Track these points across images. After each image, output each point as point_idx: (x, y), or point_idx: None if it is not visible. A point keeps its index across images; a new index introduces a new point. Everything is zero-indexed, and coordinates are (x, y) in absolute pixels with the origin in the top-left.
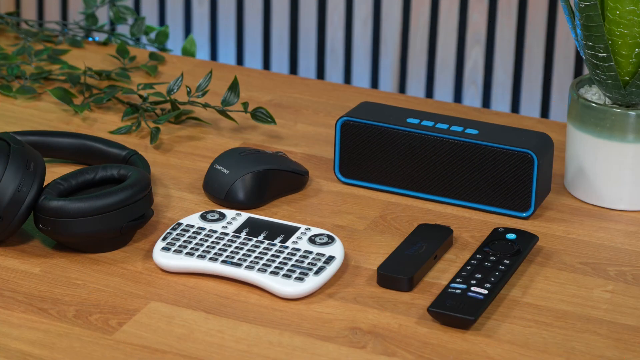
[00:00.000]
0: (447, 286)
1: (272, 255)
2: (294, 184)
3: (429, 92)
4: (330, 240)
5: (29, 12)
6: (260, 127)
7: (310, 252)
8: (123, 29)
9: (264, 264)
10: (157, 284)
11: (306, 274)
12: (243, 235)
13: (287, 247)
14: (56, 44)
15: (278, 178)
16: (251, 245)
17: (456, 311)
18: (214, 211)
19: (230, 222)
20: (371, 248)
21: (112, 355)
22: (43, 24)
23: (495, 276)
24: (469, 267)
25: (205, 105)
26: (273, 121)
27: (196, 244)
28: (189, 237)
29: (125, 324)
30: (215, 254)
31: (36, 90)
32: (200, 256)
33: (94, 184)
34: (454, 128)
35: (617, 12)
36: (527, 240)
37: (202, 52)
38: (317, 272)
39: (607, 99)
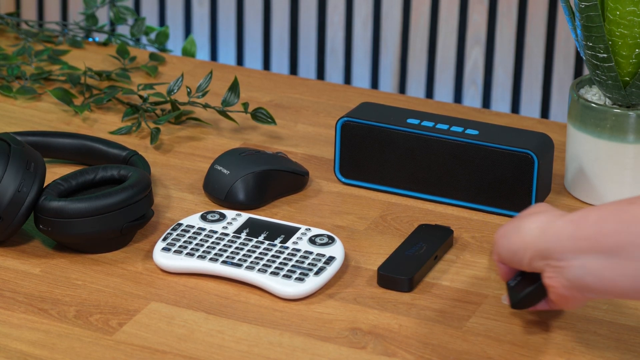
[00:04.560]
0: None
1: (273, 256)
2: (294, 184)
3: (429, 92)
4: (331, 240)
5: (29, 12)
6: (260, 127)
7: (311, 253)
8: (123, 30)
9: (264, 265)
10: (158, 285)
11: (306, 275)
12: (243, 235)
13: (287, 248)
14: (56, 44)
15: (278, 178)
16: (251, 246)
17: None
18: (214, 212)
19: (231, 223)
20: (371, 248)
21: (113, 356)
22: (43, 25)
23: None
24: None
25: (206, 106)
26: (273, 121)
27: (196, 244)
28: (190, 237)
29: (126, 325)
30: (215, 254)
31: (36, 91)
32: (200, 257)
33: (94, 184)
34: (454, 128)
35: (618, 13)
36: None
37: (202, 53)
38: (317, 273)
39: (608, 100)
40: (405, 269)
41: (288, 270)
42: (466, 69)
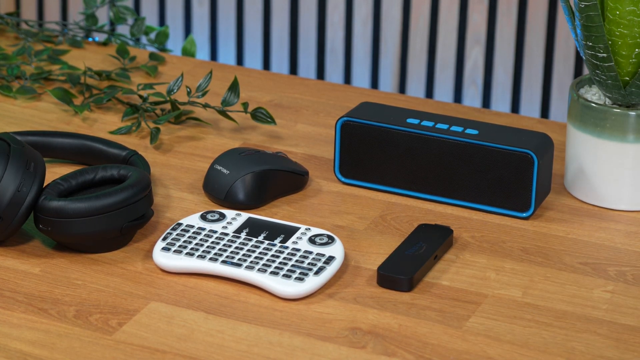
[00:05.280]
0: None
1: (272, 256)
2: (294, 184)
3: (429, 92)
4: (330, 240)
5: (29, 12)
6: (260, 127)
7: (310, 252)
8: (123, 29)
9: (264, 264)
10: (157, 284)
11: (306, 274)
12: (243, 235)
13: (287, 248)
14: (56, 44)
15: (278, 178)
16: (251, 246)
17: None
18: (214, 211)
19: (230, 223)
20: (371, 248)
21: (112, 356)
22: (43, 24)
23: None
24: None
25: (206, 106)
26: (273, 121)
27: (196, 244)
28: (189, 237)
29: (125, 324)
30: (215, 254)
31: (36, 91)
32: (200, 256)
33: (94, 184)
34: (454, 128)
35: (617, 13)
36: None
37: (202, 52)
38: (317, 272)
39: (607, 99)
40: (405, 268)
41: (288, 270)
42: (466, 69)
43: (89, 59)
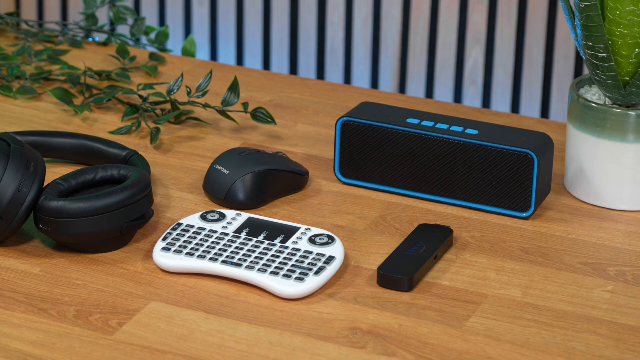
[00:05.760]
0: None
1: (272, 256)
2: (294, 184)
3: (429, 92)
4: (330, 240)
5: (29, 12)
6: (260, 127)
7: (310, 252)
8: (123, 29)
9: (264, 264)
10: (157, 284)
11: (306, 274)
12: (243, 235)
13: (287, 247)
14: (56, 44)
15: (278, 178)
16: (251, 246)
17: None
18: (214, 211)
19: (230, 222)
20: (371, 248)
21: (112, 356)
22: (43, 24)
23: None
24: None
25: (205, 106)
26: (273, 121)
27: (196, 244)
28: (189, 237)
29: (125, 324)
30: (215, 254)
31: (36, 91)
32: (200, 256)
33: (94, 184)
34: (453, 128)
35: (617, 12)
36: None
37: (202, 52)
38: (317, 272)
39: (607, 99)
40: (405, 268)
41: (288, 270)
42: (466, 69)
43: (89, 59)
